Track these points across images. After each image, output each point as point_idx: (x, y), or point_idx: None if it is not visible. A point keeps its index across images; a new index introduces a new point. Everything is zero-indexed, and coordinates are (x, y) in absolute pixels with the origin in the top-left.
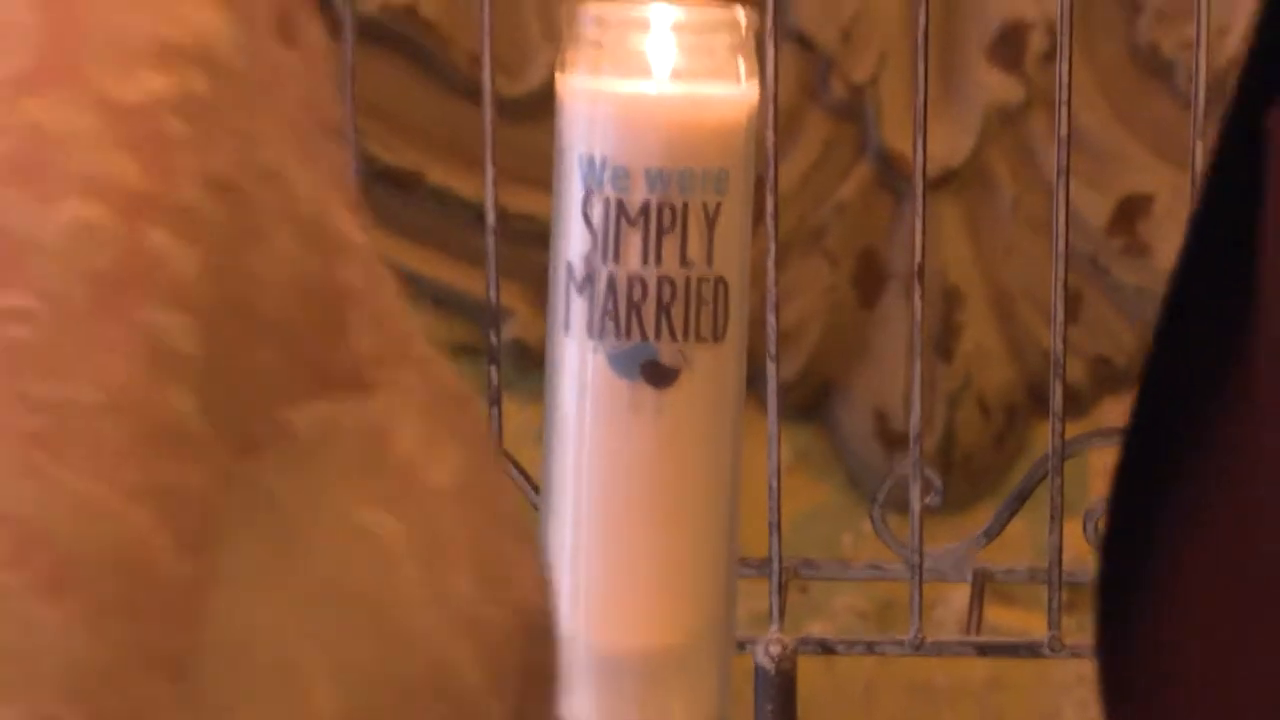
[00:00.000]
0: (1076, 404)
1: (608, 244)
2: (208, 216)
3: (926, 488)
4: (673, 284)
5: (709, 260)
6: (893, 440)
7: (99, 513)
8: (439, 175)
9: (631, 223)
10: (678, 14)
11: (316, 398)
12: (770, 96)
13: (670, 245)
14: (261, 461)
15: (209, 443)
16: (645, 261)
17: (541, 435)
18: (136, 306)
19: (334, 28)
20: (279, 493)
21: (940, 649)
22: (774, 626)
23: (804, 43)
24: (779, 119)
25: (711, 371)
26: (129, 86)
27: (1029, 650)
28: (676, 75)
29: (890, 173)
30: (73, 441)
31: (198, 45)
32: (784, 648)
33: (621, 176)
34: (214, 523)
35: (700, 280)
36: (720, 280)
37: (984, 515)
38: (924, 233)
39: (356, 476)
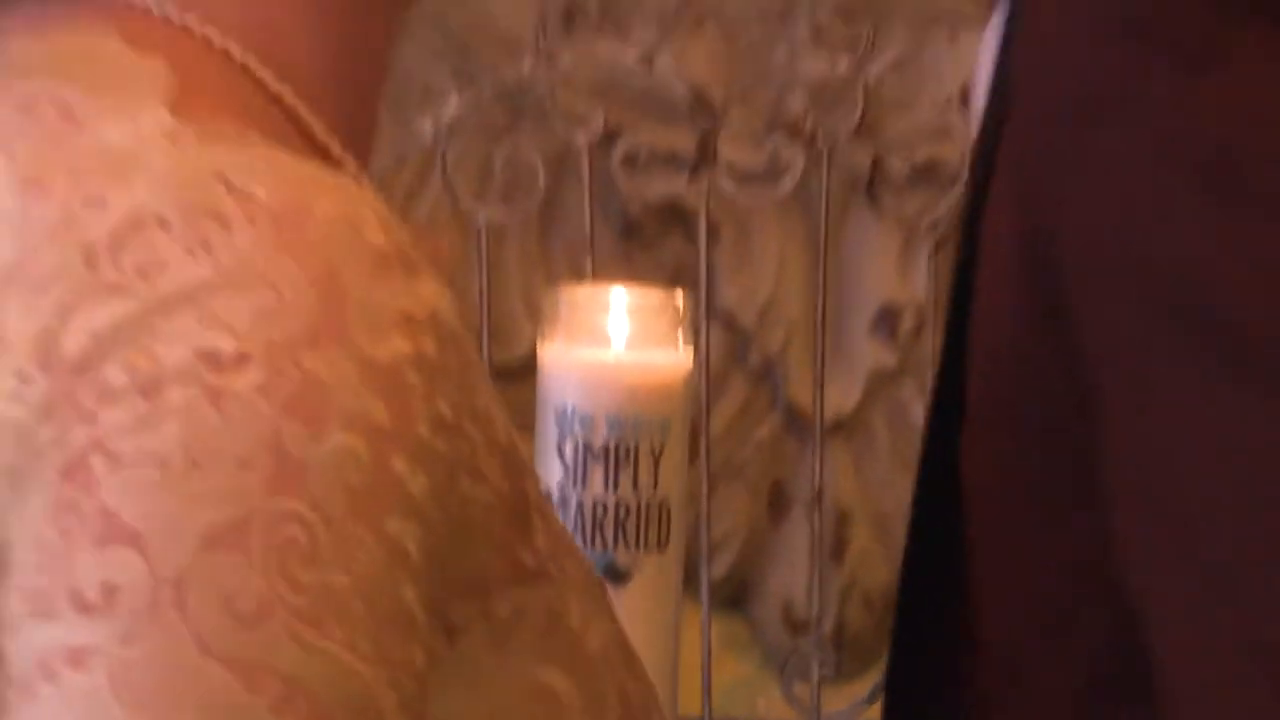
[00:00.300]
0: None
1: (577, 474)
2: (436, 449)
3: (823, 663)
4: (627, 506)
5: (655, 486)
6: (798, 626)
7: (346, 674)
8: None
9: (595, 458)
10: (630, 297)
11: (512, 586)
12: (702, 362)
13: (626, 475)
14: (470, 638)
15: (428, 627)
16: (606, 488)
17: None
18: (381, 516)
19: None
20: (482, 661)
21: None
22: None
23: (729, 321)
24: (709, 379)
25: (657, 573)
26: (381, 347)
27: None
28: (630, 344)
29: (795, 422)
30: (329, 617)
31: (429, 316)
32: None
33: (587, 422)
34: (427, 690)
35: (648, 503)
36: (664, 503)
37: (868, 684)
38: (821, 469)
39: (540, 645)
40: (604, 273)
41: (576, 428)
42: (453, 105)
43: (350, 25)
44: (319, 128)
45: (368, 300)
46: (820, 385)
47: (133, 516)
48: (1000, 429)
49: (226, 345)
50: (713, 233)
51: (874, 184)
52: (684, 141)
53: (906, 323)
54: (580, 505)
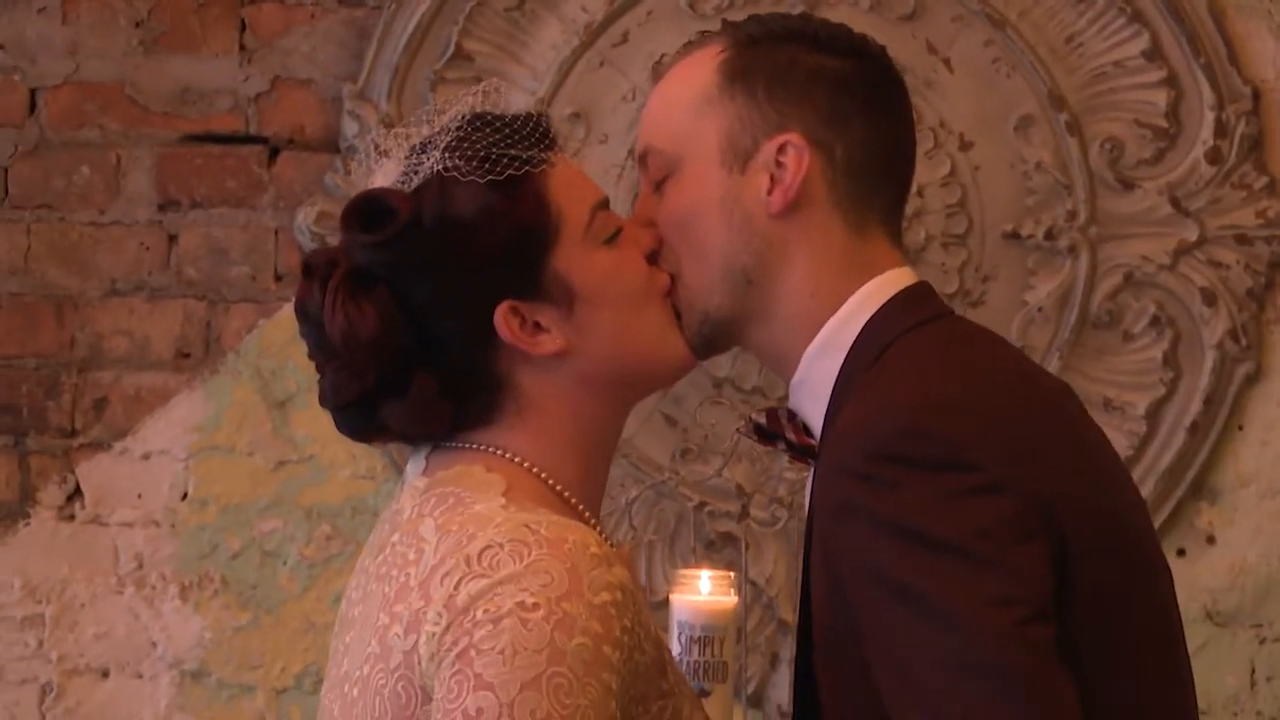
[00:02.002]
0: None
1: (688, 649)
2: (623, 641)
3: None
4: (708, 663)
5: (720, 655)
6: (785, 715)
7: None
8: None
9: (695, 642)
10: (709, 574)
11: (657, 699)
12: (744, 604)
13: (707, 650)
14: None
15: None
16: (700, 655)
17: None
18: (600, 673)
19: None
20: None
21: None
22: None
23: (755, 585)
24: (745, 610)
25: (722, 694)
26: (598, 598)
27: None
28: (710, 593)
29: (781, 628)
30: (577, 717)
31: (620, 584)
32: None
33: (691, 628)
34: None
35: (717, 662)
36: (724, 662)
37: None
38: (796, 652)
39: None
40: (698, 562)
41: (687, 630)
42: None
43: (592, 451)
44: (576, 503)
45: (591, 577)
46: (795, 612)
47: (489, 677)
48: (828, 652)
49: (528, 599)
50: (748, 547)
51: None
52: (733, 506)
53: None
54: (689, 662)
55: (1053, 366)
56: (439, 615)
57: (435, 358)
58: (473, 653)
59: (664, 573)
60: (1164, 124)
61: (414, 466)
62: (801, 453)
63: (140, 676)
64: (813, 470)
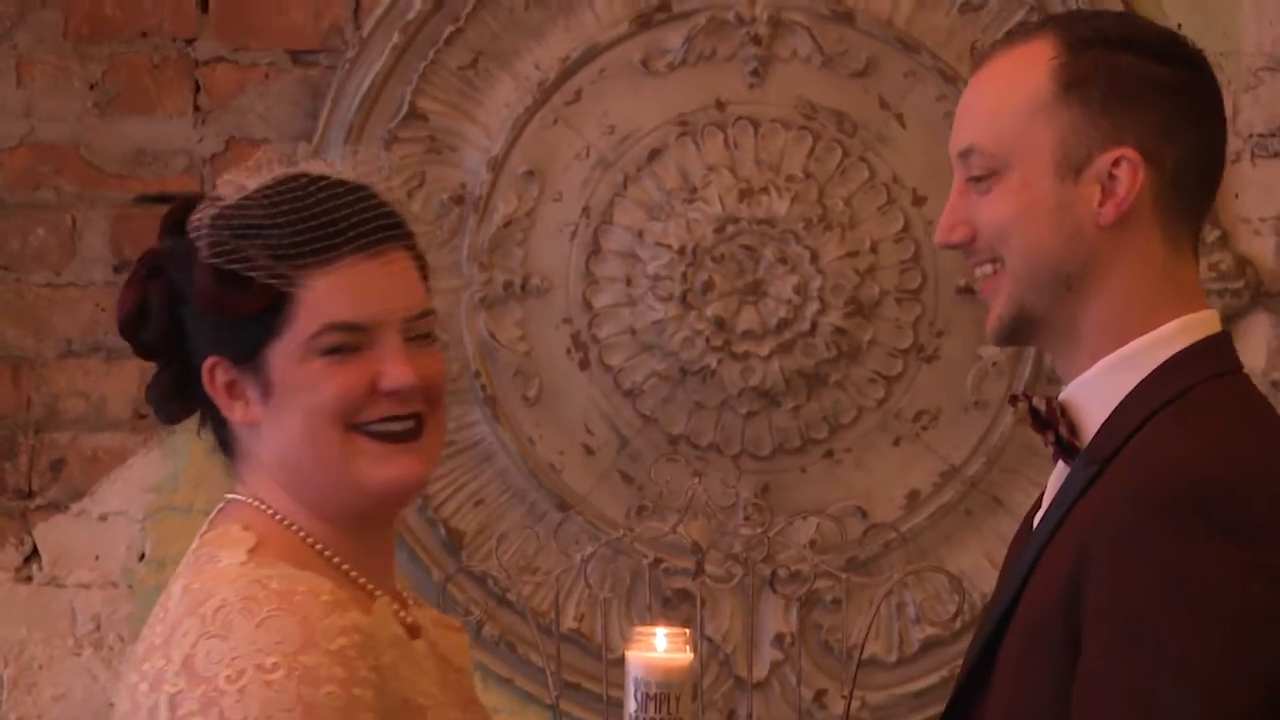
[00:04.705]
0: None
1: (643, 707)
2: (368, 679)
3: None
4: None
5: (676, 713)
6: None
7: None
8: None
9: (650, 699)
10: (666, 632)
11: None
12: (699, 660)
13: (664, 708)
14: None
15: None
16: (657, 713)
17: None
18: (356, 716)
19: None
20: None
21: None
22: None
23: (711, 643)
24: (702, 665)
25: None
26: (334, 643)
27: None
28: (666, 650)
29: (739, 683)
30: None
31: (355, 627)
32: None
33: (646, 684)
34: None
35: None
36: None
37: None
38: (751, 702)
39: None
40: (654, 619)
41: (643, 688)
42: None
43: (348, 527)
44: (340, 563)
45: (325, 625)
46: (750, 671)
47: None
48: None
49: (266, 660)
50: (704, 604)
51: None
52: (688, 563)
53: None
54: (645, 719)
55: (1007, 422)
56: (177, 674)
57: (187, 359)
58: (212, 710)
59: (620, 629)
60: None
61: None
62: (1065, 449)
63: None
64: (1067, 470)
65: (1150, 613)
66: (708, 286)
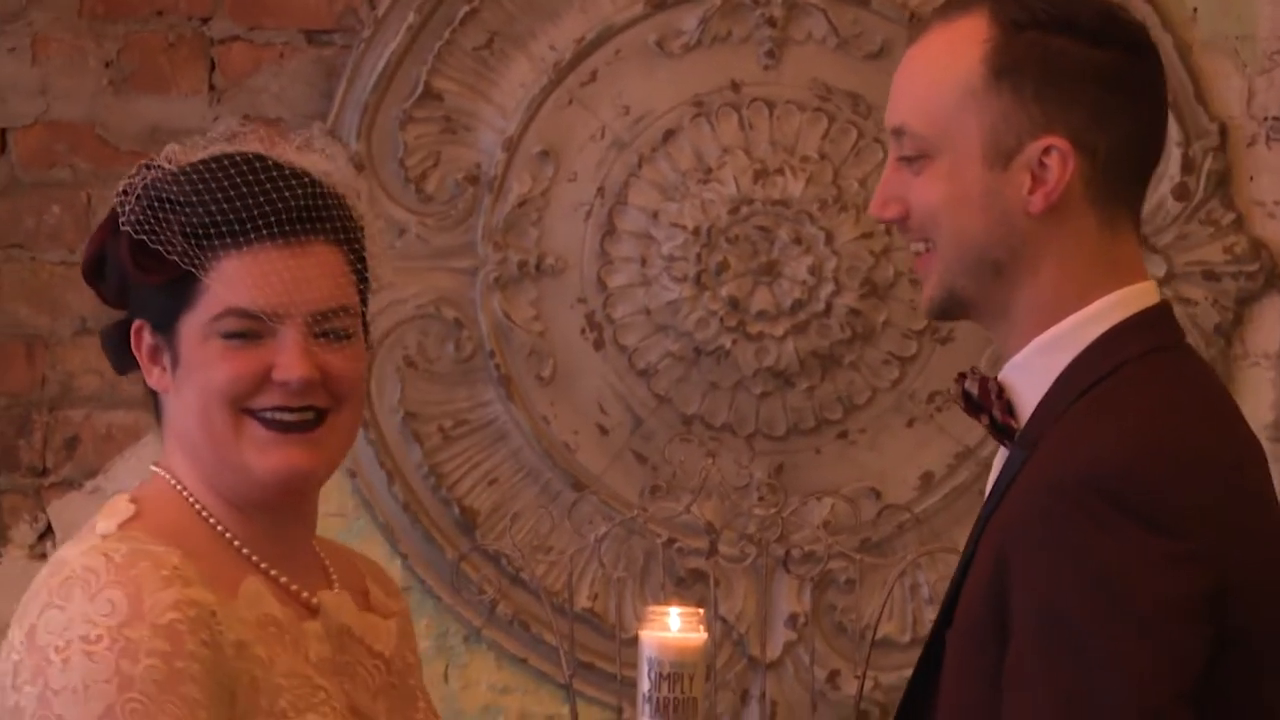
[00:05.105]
0: None
1: (657, 686)
2: (198, 654)
3: None
4: (678, 699)
5: (690, 691)
6: None
7: None
8: None
9: (664, 678)
10: (680, 611)
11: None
12: (714, 640)
13: (678, 686)
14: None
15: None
16: (670, 692)
17: None
18: (178, 688)
19: None
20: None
21: None
22: None
23: (725, 622)
24: (715, 646)
25: None
26: (163, 618)
27: None
28: (680, 630)
29: (753, 663)
30: None
31: (190, 602)
32: None
33: (660, 664)
34: None
35: (686, 697)
36: (694, 699)
37: None
38: (764, 685)
39: None
40: (668, 599)
41: (656, 667)
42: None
43: (251, 511)
44: (235, 541)
45: (156, 599)
46: (764, 651)
47: (70, 717)
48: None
49: (91, 632)
50: (717, 584)
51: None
52: (702, 543)
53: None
54: (658, 699)
55: None
56: (22, 643)
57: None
58: (50, 694)
59: (634, 609)
60: None
61: None
62: (1001, 431)
63: None
64: (1007, 452)
65: (1070, 607)
66: (722, 267)
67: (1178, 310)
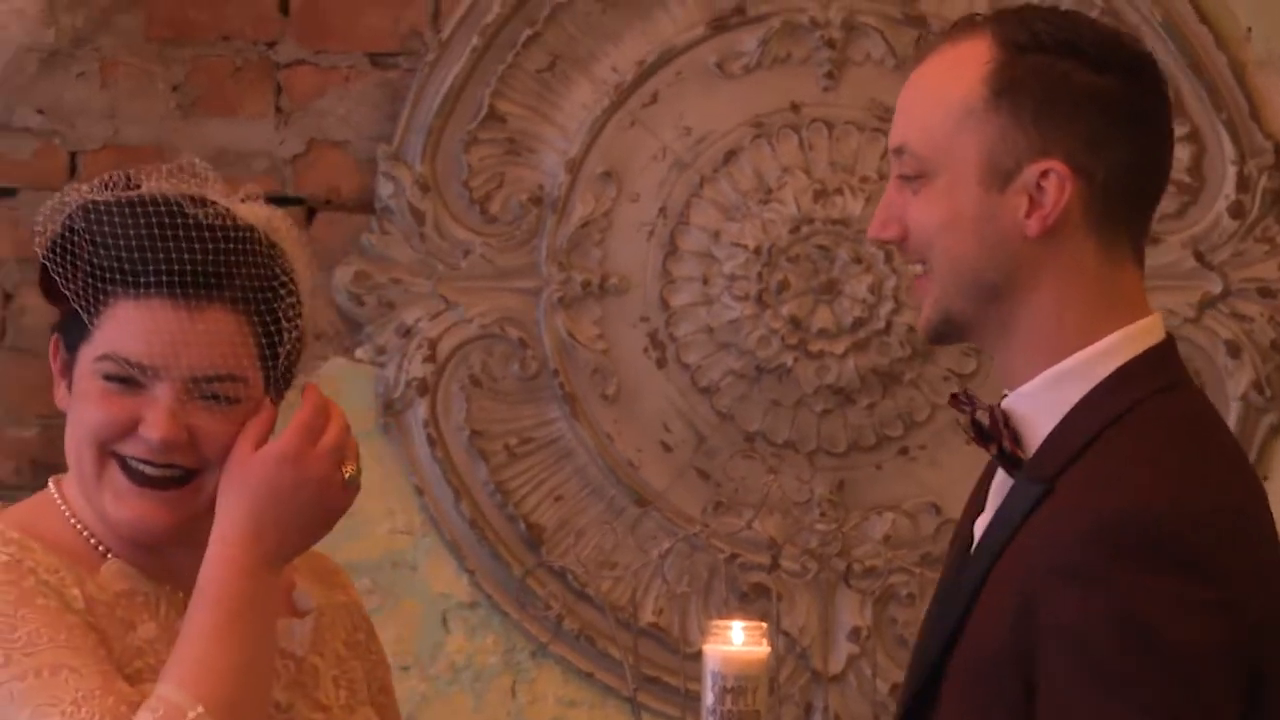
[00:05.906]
0: None
1: (721, 699)
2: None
3: None
4: (741, 711)
5: (753, 704)
6: None
7: None
8: None
9: (729, 691)
10: (743, 625)
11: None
12: (775, 654)
13: (742, 700)
14: None
15: None
16: (735, 705)
17: None
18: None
19: None
20: None
21: None
22: None
23: (788, 636)
24: (777, 660)
25: None
26: None
27: None
28: (743, 644)
29: (815, 677)
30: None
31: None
32: None
33: (724, 678)
34: None
35: (751, 710)
36: (757, 710)
37: None
38: (826, 699)
39: None
40: (731, 613)
41: (720, 680)
42: None
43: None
44: (81, 528)
45: None
46: (826, 665)
47: None
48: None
49: None
50: (780, 598)
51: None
52: (764, 558)
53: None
54: (722, 711)
55: None
56: None
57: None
58: None
59: (698, 624)
60: (1187, 179)
61: None
62: (1010, 461)
63: None
64: (1011, 481)
65: (1108, 654)
66: (783, 286)
67: (1233, 326)
